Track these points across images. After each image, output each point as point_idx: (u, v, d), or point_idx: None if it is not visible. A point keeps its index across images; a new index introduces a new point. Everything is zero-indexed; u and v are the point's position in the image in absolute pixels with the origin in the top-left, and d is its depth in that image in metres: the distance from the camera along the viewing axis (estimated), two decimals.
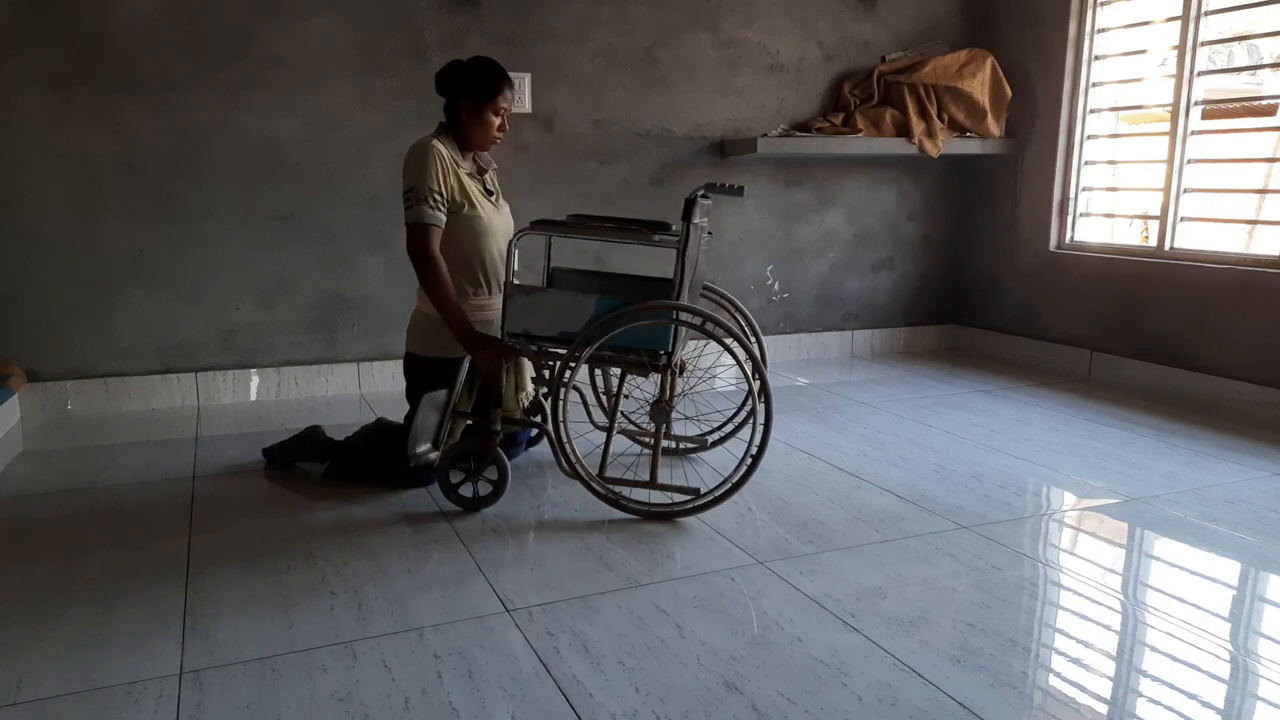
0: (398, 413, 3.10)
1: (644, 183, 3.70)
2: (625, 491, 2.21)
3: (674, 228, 2.17)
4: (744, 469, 2.13)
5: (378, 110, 3.25)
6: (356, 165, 3.26)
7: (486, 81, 2.29)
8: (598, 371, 2.67)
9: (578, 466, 2.17)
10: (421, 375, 2.38)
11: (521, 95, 3.41)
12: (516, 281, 2.19)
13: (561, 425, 2.16)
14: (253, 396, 3.28)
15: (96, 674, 1.51)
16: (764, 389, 2.12)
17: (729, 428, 2.68)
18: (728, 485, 2.14)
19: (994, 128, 3.95)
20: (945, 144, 3.88)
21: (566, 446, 2.16)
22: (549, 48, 3.43)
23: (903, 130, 3.84)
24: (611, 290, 2.40)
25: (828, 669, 1.54)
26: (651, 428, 2.63)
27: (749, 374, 2.15)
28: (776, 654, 1.59)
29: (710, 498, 2.16)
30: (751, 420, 2.19)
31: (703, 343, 2.10)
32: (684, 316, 2.12)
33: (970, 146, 3.96)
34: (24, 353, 3.01)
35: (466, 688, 1.48)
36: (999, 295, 4.23)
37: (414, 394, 2.40)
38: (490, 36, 3.34)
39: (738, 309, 2.56)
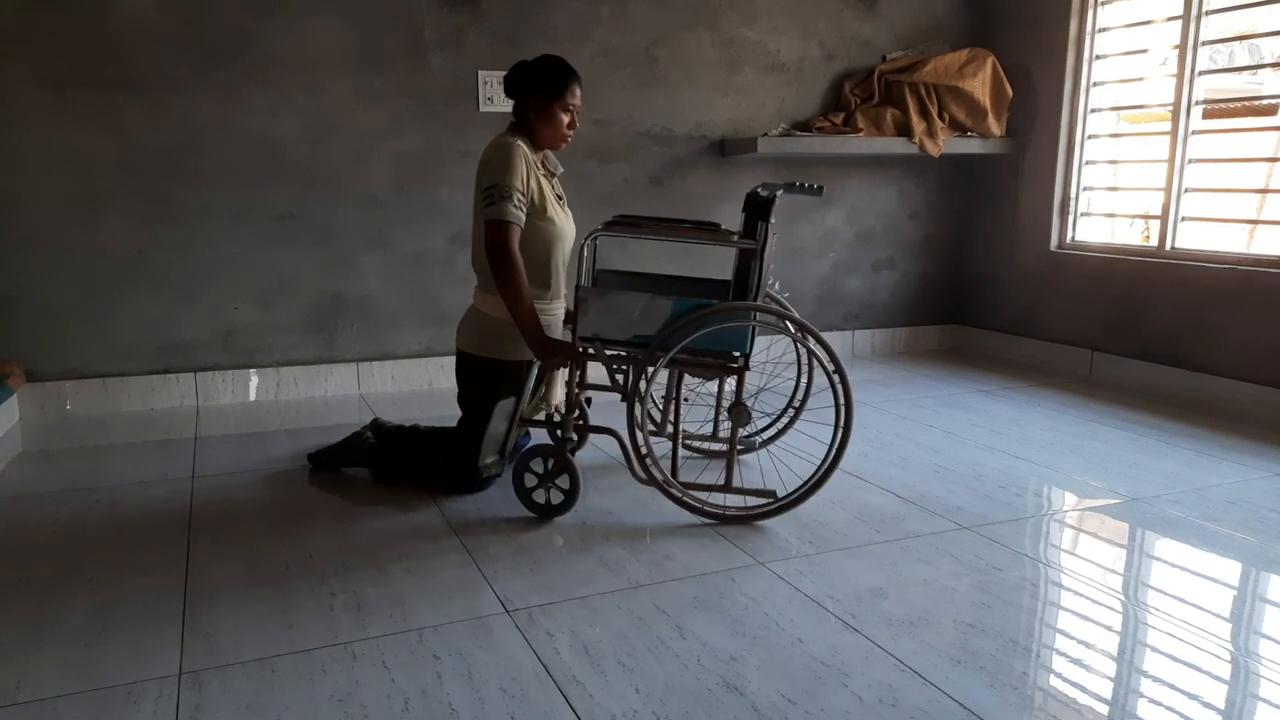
0: (396, 413, 3.11)
1: (644, 182, 3.70)
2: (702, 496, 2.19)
3: (722, 227, 2.22)
4: (823, 469, 2.14)
5: (378, 110, 3.24)
6: (356, 165, 3.26)
7: (554, 78, 2.27)
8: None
9: (655, 473, 2.14)
10: (471, 375, 2.33)
11: None
12: (588, 284, 2.18)
13: (640, 431, 2.11)
14: (252, 397, 3.28)
15: (96, 674, 1.51)
16: (845, 390, 2.10)
17: (775, 428, 2.68)
18: (807, 486, 2.15)
19: (995, 127, 3.95)
20: (946, 143, 3.88)
21: (644, 452, 2.11)
22: (548, 47, 3.42)
23: (903, 130, 3.84)
24: (662, 294, 2.41)
25: (828, 670, 1.54)
26: (707, 431, 2.70)
27: (831, 375, 2.11)
28: (777, 654, 1.59)
29: (789, 499, 2.15)
30: (835, 422, 2.14)
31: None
32: (762, 317, 2.12)
33: (971, 146, 3.95)
34: (23, 353, 3.00)
35: (466, 689, 1.47)
36: (1000, 295, 4.23)
37: (465, 395, 2.35)
38: (490, 36, 3.33)
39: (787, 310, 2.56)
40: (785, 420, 2.69)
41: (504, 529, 2.13)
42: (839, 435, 2.12)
